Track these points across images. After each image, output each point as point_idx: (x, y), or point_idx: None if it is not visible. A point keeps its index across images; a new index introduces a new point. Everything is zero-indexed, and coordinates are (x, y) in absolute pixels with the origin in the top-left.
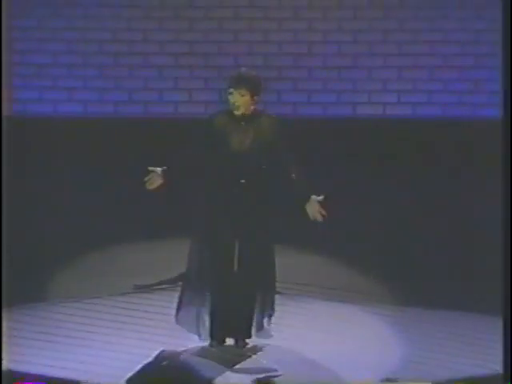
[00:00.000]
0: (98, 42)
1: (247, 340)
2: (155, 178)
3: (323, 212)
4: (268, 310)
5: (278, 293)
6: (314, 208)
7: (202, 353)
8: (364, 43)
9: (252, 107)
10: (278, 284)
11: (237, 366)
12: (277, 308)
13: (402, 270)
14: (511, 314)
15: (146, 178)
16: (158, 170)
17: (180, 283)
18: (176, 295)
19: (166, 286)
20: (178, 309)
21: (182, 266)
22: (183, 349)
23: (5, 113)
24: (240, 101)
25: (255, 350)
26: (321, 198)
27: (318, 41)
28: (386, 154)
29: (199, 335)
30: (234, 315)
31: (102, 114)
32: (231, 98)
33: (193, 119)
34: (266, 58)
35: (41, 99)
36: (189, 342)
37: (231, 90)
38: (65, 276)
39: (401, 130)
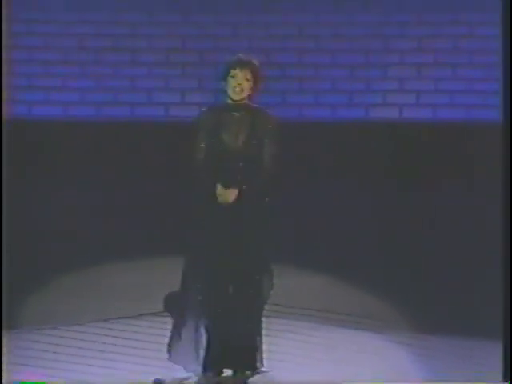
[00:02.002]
0: (78, 36)
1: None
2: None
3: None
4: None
5: (270, 314)
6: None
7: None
8: (378, 38)
9: (247, 100)
10: (281, 308)
11: None
12: (282, 335)
13: (410, 291)
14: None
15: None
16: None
17: (166, 307)
18: (164, 320)
19: (155, 310)
20: (171, 344)
21: (170, 289)
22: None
23: None
24: (244, 84)
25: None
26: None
27: (326, 35)
28: (402, 161)
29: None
30: (232, 343)
31: (83, 116)
32: (234, 81)
33: (185, 123)
34: (269, 55)
35: (14, 100)
36: (178, 371)
37: (236, 71)
38: (41, 300)
39: (420, 134)
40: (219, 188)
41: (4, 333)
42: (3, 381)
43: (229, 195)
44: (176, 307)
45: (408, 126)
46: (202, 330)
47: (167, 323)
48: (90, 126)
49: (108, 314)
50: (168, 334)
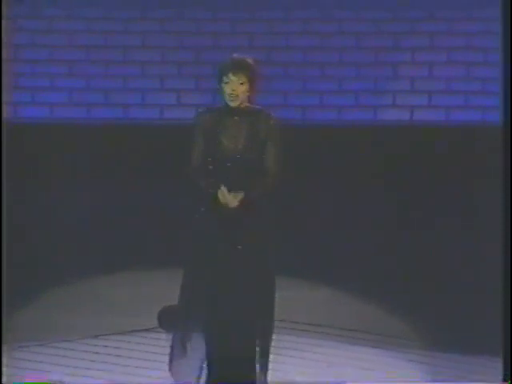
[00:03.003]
0: (68, 32)
1: None
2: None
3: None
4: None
5: (282, 332)
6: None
7: None
8: (388, 34)
9: (247, 102)
10: (285, 324)
11: None
12: (287, 353)
13: (420, 305)
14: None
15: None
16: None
17: (162, 322)
18: (160, 336)
19: (148, 326)
20: (172, 358)
21: (165, 303)
22: None
23: None
24: (239, 89)
25: None
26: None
27: (332, 32)
28: (413, 166)
29: None
30: (233, 359)
31: (71, 118)
32: (228, 88)
33: (181, 125)
34: (270, 53)
35: None
36: None
37: (229, 76)
38: (26, 316)
39: (432, 137)
40: (222, 190)
41: None
42: (3, 381)
43: (232, 199)
44: (174, 322)
45: (419, 129)
46: (202, 347)
47: (159, 339)
48: (79, 129)
49: (99, 329)
50: (160, 350)
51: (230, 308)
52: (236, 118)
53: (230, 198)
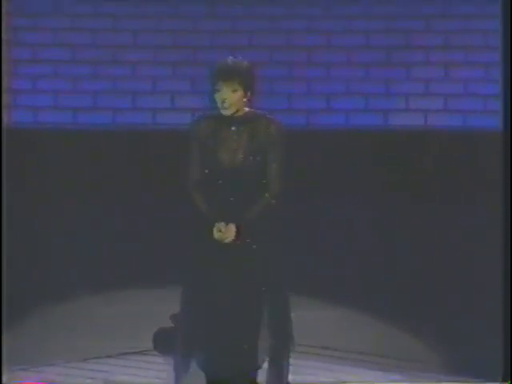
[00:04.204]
0: (52, 30)
1: None
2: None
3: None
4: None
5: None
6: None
7: None
8: (399, 33)
9: (245, 108)
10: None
11: None
12: (297, 378)
13: (439, 327)
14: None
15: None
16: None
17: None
18: (154, 360)
19: (143, 349)
20: None
21: (161, 323)
22: None
23: None
24: (231, 98)
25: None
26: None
27: (339, 30)
28: (428, 174)
29: None
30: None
31: (57, 123)
32: (219, 96)
33: (175, 130)
34: (273, 52)
35: None
36: None
37: (219, 84)
38: (8, 337)
39: (448, 144)
40: (217, 227)
41: None
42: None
43: (227, 233)
44: (170, 345)
45: (434, 135)
46: (204, 369)
47: (154, 363)
48: (64, 135)
49: (88, 352)
50: (154, 374)
51: (232, 328)
52: (233, 128)
53: (226, 234)
